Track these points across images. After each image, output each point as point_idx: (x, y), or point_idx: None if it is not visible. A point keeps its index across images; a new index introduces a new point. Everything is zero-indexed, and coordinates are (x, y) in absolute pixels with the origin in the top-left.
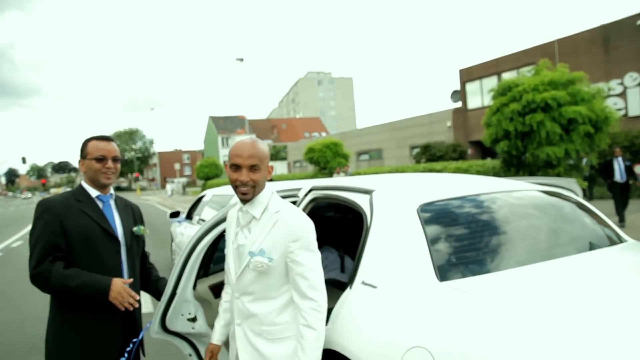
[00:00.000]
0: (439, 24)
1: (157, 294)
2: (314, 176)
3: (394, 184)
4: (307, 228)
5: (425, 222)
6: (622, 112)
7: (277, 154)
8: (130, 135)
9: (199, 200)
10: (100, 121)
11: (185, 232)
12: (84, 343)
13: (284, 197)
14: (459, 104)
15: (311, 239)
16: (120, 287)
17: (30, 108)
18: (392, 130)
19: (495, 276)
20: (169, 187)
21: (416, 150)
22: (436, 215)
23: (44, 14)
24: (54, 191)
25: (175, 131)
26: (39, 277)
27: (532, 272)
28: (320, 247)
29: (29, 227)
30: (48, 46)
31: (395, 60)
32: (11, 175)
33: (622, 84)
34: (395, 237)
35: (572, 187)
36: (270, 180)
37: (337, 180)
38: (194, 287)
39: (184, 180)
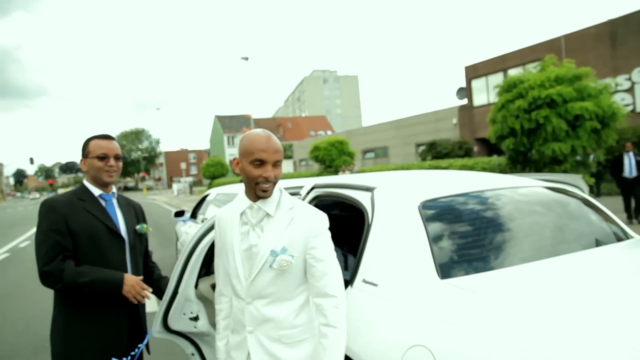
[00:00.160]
0: (444, 21)
1: (159, 293)
2: (319, 174)
3: (396, 181)
4: (325, 223)
5: (427, 219)
6: (630, 108)
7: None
8: (136, 135)
9: (204, 199)
10: (106, 121)
11: (189, 231)
12: (90, 341)
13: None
14: (465, 101)
15: (329, 233)
16: (133, 281)
17: (38, 109)
18: (397, 128)
19: (497, 273)
20: (175, 186)
21: (422, 148)
22: (438, 212)
23: (49, 15)
24: (61, 191)
25: (182, 131)
26: (50, 276)
27: (535, 269)
28: None
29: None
30: (54, 47)
31: (400, 57)
32: (19, 176)
33: (629, 79)
34: (396, 235)
35: (577, 183)
36: None
37: (339, 178)
38: (196, 286)
39: (190, 179)
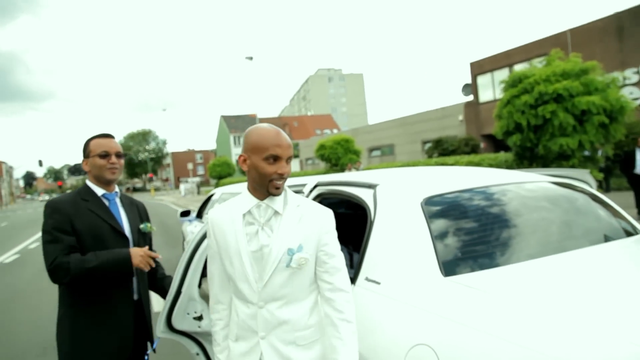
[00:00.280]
0: (448, 17)
1: (162, 293)
2: (325, 173)
3: (398, 178)
4: (333, 219)
5: (430, 216)
6: (639, 102)
7: None
8: (143, 136)
9: (209, 198)
10: (113, 122)
11: (195, 231)
12: (97, 339)
13: None
14: (471, 98)
15: (335, 229)
16: (140, 252)
17: (44, 111)
18: (403, 125)
19: (502, 270)
20: (182, 187)
21: (428, 145)
22: (441, 209)
23: (55, 18)
24: None
25: (188, 131)
26: (58, 270)
27: (542, 265)
28: None
29: None
30: (59, 49)
31: (405, 55)
32: (29, 178)
33: (638, 72)
34: (399, 232)
35: (585, 178)
36: None
37: (342, 175)
38: (200, 285)
39: (197, 179)
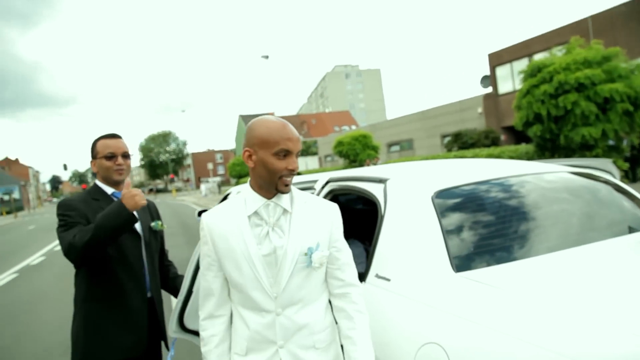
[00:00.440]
0: (465, 8)
1: (174, 292)
2: (343, 169)
3: (409, 172)
4: (339, 212)
5: (441, 210)
6: None
7: (307, 149)
8: (164, 138)
9: (225, 198)
10: (134, 125)
11: None
12: (110, 335)
13: (300, 189)
14: (490, 90)
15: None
16: (128, 193)
17: (68, 116)
18: (422, 119)
19: (516, 265)
20: (203, 187)
21: (447, 139)
22: (452, 202)
23: (76, 25)
24: None
25: (207, 131)
26: (70, 249)
27: (558, 259)
28: (346, 240)
29: None
30: (81, 55)
31: (422, 48)
32: (55, 182)
33: None
34: (409, 227)
35: (607, 168)
36: None
37: (353, 170)
38: None
39: (218, 179)
